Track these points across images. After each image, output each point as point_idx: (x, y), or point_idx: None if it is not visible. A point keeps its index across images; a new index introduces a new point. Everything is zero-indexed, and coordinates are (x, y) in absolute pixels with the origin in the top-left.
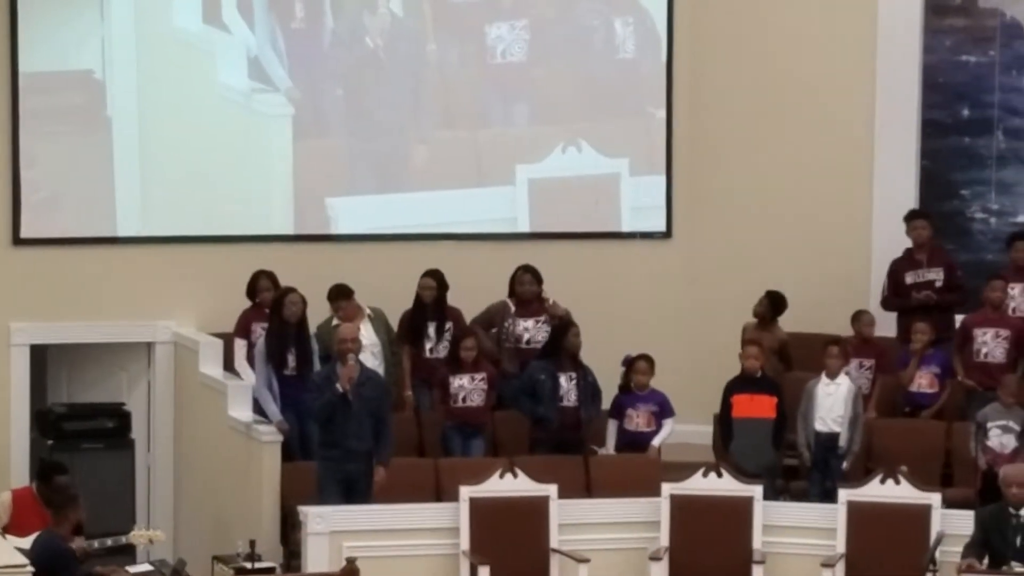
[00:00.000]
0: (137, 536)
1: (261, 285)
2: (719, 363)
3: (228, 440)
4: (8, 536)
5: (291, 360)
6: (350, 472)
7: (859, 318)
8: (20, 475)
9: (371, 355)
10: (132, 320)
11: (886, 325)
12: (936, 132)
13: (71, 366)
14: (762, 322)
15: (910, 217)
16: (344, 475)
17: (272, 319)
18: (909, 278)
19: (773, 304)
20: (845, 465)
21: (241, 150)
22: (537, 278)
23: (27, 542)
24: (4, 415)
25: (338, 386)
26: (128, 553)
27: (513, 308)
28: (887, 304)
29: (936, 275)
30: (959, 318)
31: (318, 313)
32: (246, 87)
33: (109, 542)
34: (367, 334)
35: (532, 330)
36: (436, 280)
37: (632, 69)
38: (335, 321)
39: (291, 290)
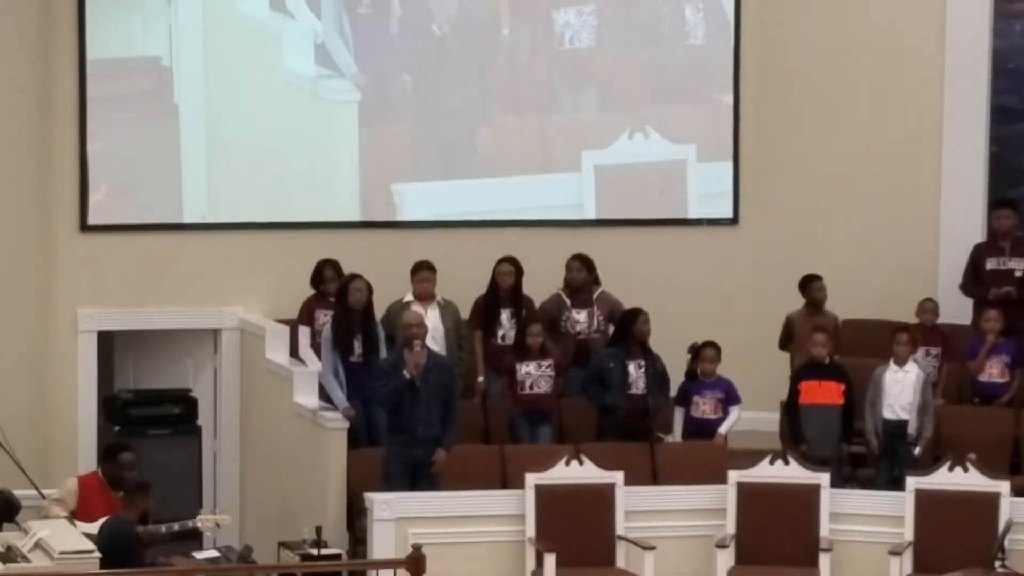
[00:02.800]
0: (204, 520)
1: (326, 274)
2: (780, 345)
3: (294, 426)
4: (76, 522)
5: (357, 347)
6: (417, 458)
7: (923, 306)
8: (88, 461)
9: (432, 341)
10: (198, 306)
11: (962, 312)
12: (1006, 118)
13: (138, 352)
14: (815, 308)
15: (995, 205)
16: (411, 461)
17: (337, 306)
18: (990, 264)
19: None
20: (917, 451)
21: (307, 136)
22: (587, 266)
23: (94, 527)
24: (72, 401)
25: (405, 372)
26: (194, 539)
27: (567, 300)
28: (966, 289)
29: (1017, 264)
30: None
31: (383, 300)
32: (312, 73)
33: (176, 527)
34: (433, 320)
35: (585, 321)
36: (515, 266)
37: (700, 55)
38: (407, 298)
39: (356, 276)
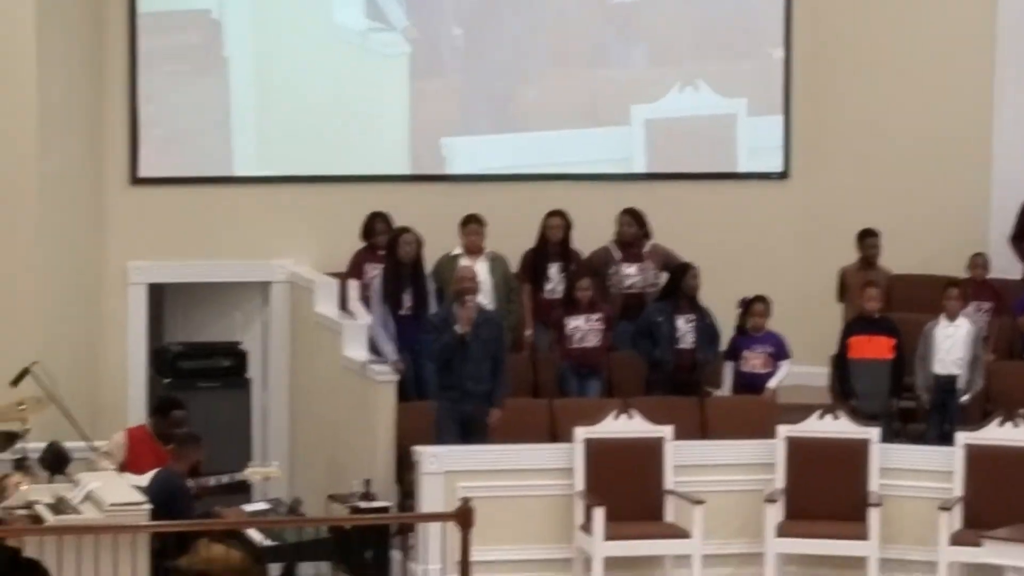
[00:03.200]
0: (253, 472)
1: (376, 227)
2: (836, 304)
3: (343, 380)
4: (127, 475)
5: (406, 300)
6: (468, 413)
7: (974, 261)
8: (137, 414)
9: (480, 294)
10: (248, 259)
11: (1015, 266)
12: None
13: (187, 305)
14: (864, 262)
15: None
16: (462, 416)
17: (387, 259)
18: None
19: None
20: (966, 399)
21: (357, 90)
22: (638, 220)
23: (144, 480)
24: (121, 354)
25: (456, 328)
26: (243, 491)
27: (618, 254)
28: (1016, 243)
29: None
30: None
31: (433, 253)
32: (362, 26)
33: (225, 479)
34: (482, 273)
35: (636, 275)
36: (564, 219)
37: (751, 9)
38: (456, 251)
39: (406, 230)
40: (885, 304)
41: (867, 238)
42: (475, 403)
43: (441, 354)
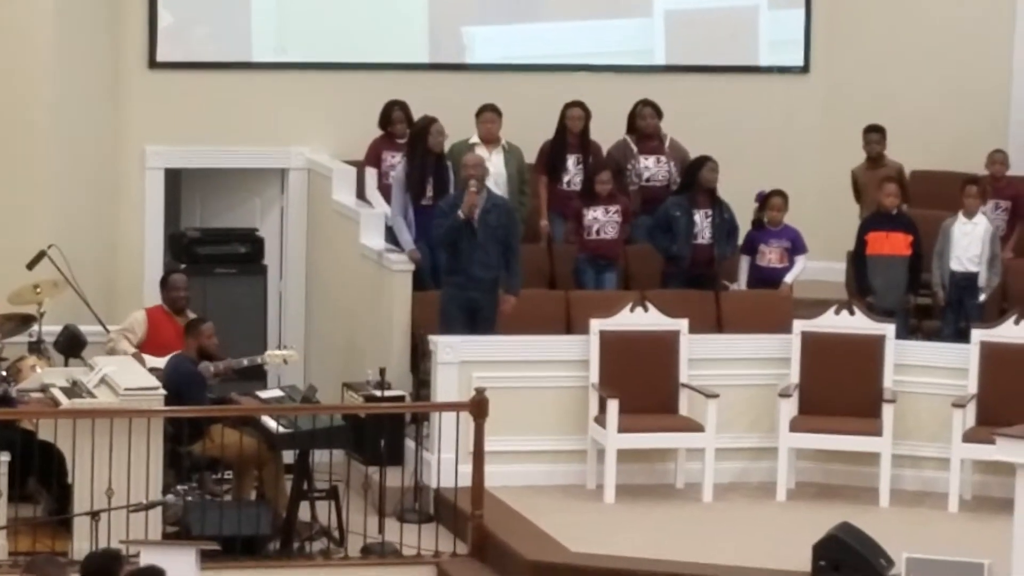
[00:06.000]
0: (272, 356)
1: (394, 115)
2: (854, 200)
3: (360, 268)
4: (146, 356)
5: (428, 189)
6: (474, 300)
7: (992, 157)
8: (153, 298)
9: (494, 185)
10: (266, 146)
11: None
12: None
13: (205, 191)
14: (871, 160)
15: None
16: (467, 302)
17: (415, 147)
18: None
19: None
20: (983, 298)
21: None
22: (658, 112)
23: (162, 362)
24: (138, 238)
25: (460, 212)
26: (259, 377)
27: (635, 147)
28: None
29: None
30: None
31: (450, 142)
32: None
33: (245, 362)
34: (496, 163)
35: (654, 167)
36: (584, 111)
37: None
38: (473, 139)
39: (435, 120)
40: (902, 196)
41: (869, 134)
42: (482, 291)
43: (445, 237)
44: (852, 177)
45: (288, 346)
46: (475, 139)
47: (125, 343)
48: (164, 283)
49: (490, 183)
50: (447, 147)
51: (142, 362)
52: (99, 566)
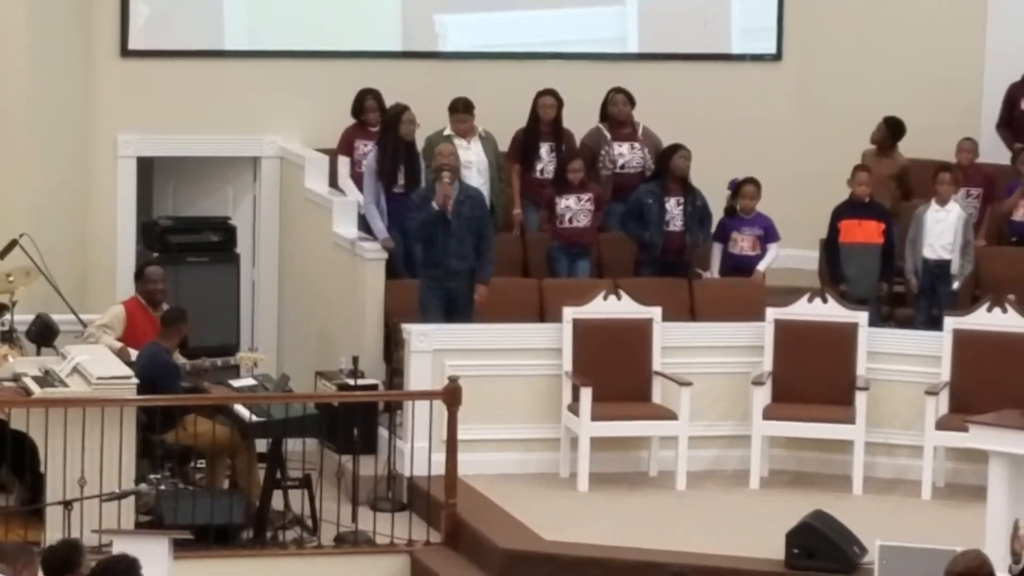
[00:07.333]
0: (243, 359)
1: (367, 104)
2: (827, 188)
3: (332, 256)
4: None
5: (400, 178)
6: (451, 290)
7: (960, 145)
8: (126, 287)
9: (477, 173)
10: (238, 134)
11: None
12: None
13: (177, 179)
14: (881, 149)
15: None
16: (445, 293)
17: (386, 135)
18: None
19: (892, 130)
20: (956, 285)
21: None
22: (630, 100)
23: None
24: (110, 227)
25: (434, 204)
26: (232, 368)
27: (608, 134)
28: (1000, 129)
29: None
30: None
31: (423, 132)
32: None
33: (219, 363)
34: (476, 152)
35: (628, 154)
36: (556, 99)
37: None
38: (447, 131)
39: (406, 108)
40: (903, 192)
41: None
42: (458, 281)
43: (421, 230)
44: (862, 158)
45: (258, 342)
46: (449, 130)
47: (107, 338)
48: (140, 275)
49: (473, 172)
50: (424, 138)
51: (128, 356)
52: (60, 557)
